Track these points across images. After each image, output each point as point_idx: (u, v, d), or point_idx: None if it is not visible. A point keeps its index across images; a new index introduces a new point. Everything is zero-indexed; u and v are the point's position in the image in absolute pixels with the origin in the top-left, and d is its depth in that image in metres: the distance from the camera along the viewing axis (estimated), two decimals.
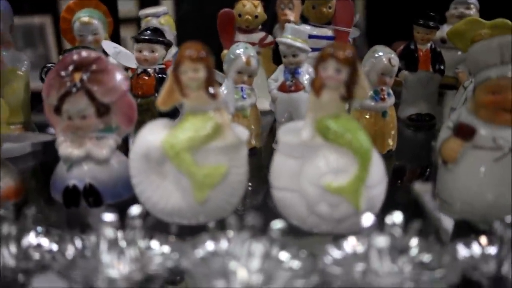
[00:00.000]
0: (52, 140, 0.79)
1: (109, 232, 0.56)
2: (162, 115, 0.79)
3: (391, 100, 0.96)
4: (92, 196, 0.76)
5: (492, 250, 0.57)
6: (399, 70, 1.17)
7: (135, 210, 0.58)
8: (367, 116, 0.96)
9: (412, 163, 1.05)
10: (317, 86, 0.64)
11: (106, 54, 1.10)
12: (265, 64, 1.24)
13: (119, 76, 0.77)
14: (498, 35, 1.01)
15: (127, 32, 2.22)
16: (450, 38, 1.15)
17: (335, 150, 0.65)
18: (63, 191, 0.76)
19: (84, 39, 1.22)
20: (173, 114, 0.83)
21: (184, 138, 0.65)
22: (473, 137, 0.69)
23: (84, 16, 1.22)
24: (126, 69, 1.06)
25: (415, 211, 0.80)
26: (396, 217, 0.56)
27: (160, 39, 0.97)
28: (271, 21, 1.52)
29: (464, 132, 0.69)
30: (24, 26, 2.29)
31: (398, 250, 0.55)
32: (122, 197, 0.78)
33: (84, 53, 0.76)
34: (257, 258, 0.54)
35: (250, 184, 0.80)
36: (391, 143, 0.99)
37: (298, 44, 0.94)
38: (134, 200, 0.71)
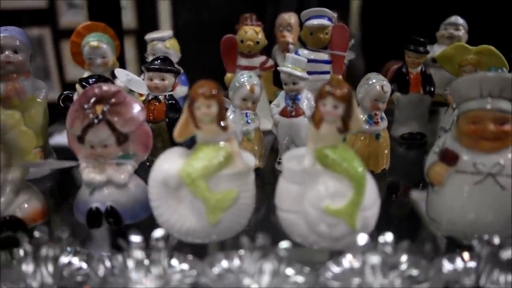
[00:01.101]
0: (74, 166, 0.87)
1: (136, 252, 0.63)
2: (171, 139, 0.86)
3: (384, 124, 1.04)
4: (113, 217, 0.83)
5: (472, 264, 0.65)
6: (392, 92, 1.26)
7: (159, 232, 0.66)
8: (362, 139, 1.04)
9: (405, 179, 1.14)
10: (316, 119, 0.72)
11: (114, 77, 1.18)
12: (266, 86, 1.32)
13: (136, 108, 0.84)
14: (483, 59, 1.10)
15: (126, 44, 2.30)
16: (439, 62, 1.23)
17: (333, 176, 0.73)
18: (87, 213, 0.84)
19: (93, 62, 1.30)
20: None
21: (199, 167, 0.73)
22: (457, 163, 0.77)
23: (93, 40, 1.30)
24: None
25: (408, 224, 0.88)
26: (388, 236, 0.63)
27: (170, 68, 1.05)
28: (270, 42, 1.60)
29: (449, 158, 0.77)
30: None
31: (389, 266, 0.63)
32: (139, 217, 0.86)
33: (104, 87, 0.84)
34: (267, 275, 0.62)
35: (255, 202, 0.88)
36: (384, 162, 1.07)
37: (298, 73, 1.02)
38: (151, 220, 0.80)
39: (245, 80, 1.01)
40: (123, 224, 0.85)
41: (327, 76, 1.30)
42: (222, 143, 0.76)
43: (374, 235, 0.67)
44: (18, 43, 1.04)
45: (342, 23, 1.31)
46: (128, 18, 2.67)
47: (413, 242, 0.83)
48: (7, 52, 1.04)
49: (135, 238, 0.64)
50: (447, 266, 0.67)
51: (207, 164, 0.74)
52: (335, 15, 1.55)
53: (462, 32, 1.54)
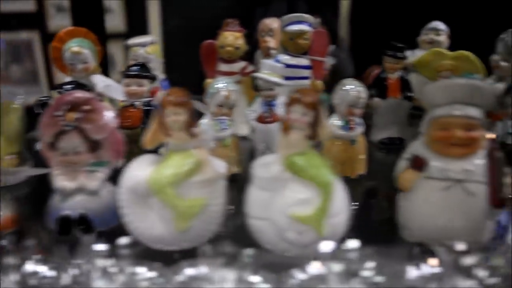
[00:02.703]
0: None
1: (100, 261, 0.63)
2: None
3: (359, 129, 1.04)
4: (84, 224, 0.83)
5: (436, 270, 0.65)
6: (371, 96, 1.26)
7: (123, 240, 0.66)
8: (338, 144, 1.04)
9: (383, 183, 1.14)
10: (285, 126, 0.72)
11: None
12: (246, 91, 1.32)
13: (109, 115, 0.84)
14: (459, 65, 1.11)
15: (114, 48, 2.29)
16: (416, 68, 1.24)
17: (301, 183, 0.73)
18: (57, 220, 0.83)
19: (75, 68, 1.30)
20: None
21: (168, 174, 0.73)
22: (425, 169, 0.77)
23: (74, 46, 1.30)
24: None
25: (386, 229, 0.88)
26: (352, 243, 0.64)
27: (147, 74, 1.05)
28: (253, 48, 1.61)
29: (417, 164, 0.77)
30: (12, 41, 2.33)
31: (352, 273, 0.63)
32: (111, 224, 0.86)
33: (76, 94, 0.84)
34: (230, 282, 0.62)
35: (231, 208, 0.88)
36: (360, 167, 1.07)
37: (273, 79, 1.03)
38: (123, 226, 0.79)
39: (222, 86, 1.02)
40: (94, 231, 0.84)
41: (307, 82, 1.30)
42: (192, 151, 0.76)
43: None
44: None
45: (322, 29, 1.31)
46: (117, 22, 2.67)
47: (388, 247, 0.85)
48: None
49: (100, 246, 0.64)
50: (411, 272, 0.67)
51: (176, 171, 0.74)
52: (317, 20, 1.56)
53: (443, 37, 1.55)
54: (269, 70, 1.04)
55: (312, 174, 0.71)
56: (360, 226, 0.91)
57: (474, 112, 0.76)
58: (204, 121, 1.02)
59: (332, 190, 0.71)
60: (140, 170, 0.77)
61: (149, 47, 1.43)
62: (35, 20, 2.59)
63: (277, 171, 0.73)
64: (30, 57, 2.63)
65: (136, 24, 2.63)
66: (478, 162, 0.76)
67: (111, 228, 0.85)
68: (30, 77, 2.64)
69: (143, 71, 1.05)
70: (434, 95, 0.78)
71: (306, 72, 1.30)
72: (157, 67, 1.47)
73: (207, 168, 0.76)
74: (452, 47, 1.56)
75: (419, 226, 0.79)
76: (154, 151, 0.81)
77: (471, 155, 0.76)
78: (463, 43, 1.54)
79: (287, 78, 1.25)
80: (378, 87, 1.26)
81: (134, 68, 1.05)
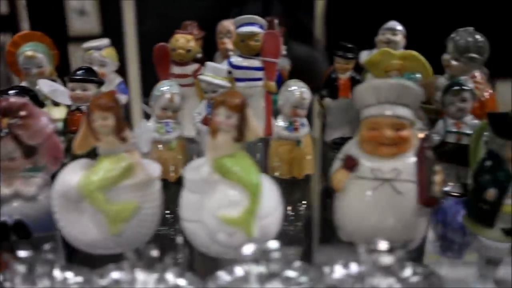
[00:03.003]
0: None
1: (21, 267, 0.63)
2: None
3: (304, 130, 1.05)
4: (21, 230, 0.83)
5: (357, 269, 0.66)
6: (323, 97, 1.27)
7: (47, 246, 0.66)
8: (283, 145, 1.05)
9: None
10: (212, 129, 0.73)
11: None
12: (199, 93, 1.32)
13: (44, 120, 0.84)
14: (407, 64, 1.12)
15: None
16: (366, 68, 1.25)
17: (230, 185, 0.73)
18: None
19: (29, 72, 1.30)
20: None
21: (96, 179, 0.74)
22: (356, 169, 0.78)
23: (28, 50, 1.30)
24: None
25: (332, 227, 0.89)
26: (273, 244, 0.64)
27: (92, 78, 1.05)
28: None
29: (349, 164, 0.78)
30: None
31: (274, 273, 0.63)
32: (51, 229, 0.85)
33: (11, 100, 0.83)
34: (151, 285, 0.62)
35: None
36: (308, 168, 1.08)
37: (217, 81, 1.03)
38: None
39: (165, 89, 1.02)
40: (32, 237, 0.84)
41: (260, 83, 1.31)
42: (123, 155, 0.76)
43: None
44: None
45: (273, 31, 1.32)
46: (93, 24, 2.66)
47: (326, 246, 0.86)
48: None
49: (21, 253, 0.64)
50: (335, 272, 0.67)
51: (105, 175, 0.74)
52: (276, 21, 1.57)
53: (399, 37, 1.56)
54: (212, 73, 1.04)
55: (239, 176, 0.72)
56: (308, 226, 0.92)
57: (403, 111, 0.77)
58: (149, 124, 1.02)
59: (259, 192, 0.72)
60: (72, 175, 0.77)
61: (104, 50, 1.43)
62: (7, 23, 2.58)
63: (206, 173, 0.74)
64: (3, 60, 2.61)
65: (111, 26, 2.62)
66: (407, 162, 0.77)
67: (51, 234, 0.85)
68: (4, 80, 2.63)
69: (88, 75, 1.05)
70: (363, 95, 0.78)
71: (259, 74, 1.30)
72: (113, 71, 1.47)
73: (138, 171, 0.77)
74: (408, 47, 1.58)
75: (352, 225, 0.79)
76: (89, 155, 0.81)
77: (401, 155, 0.77)
78: (420, 42, 1.57)
79: (240, 79, 1.26)
80: (329, 88, 1.27)
81: (79, 72, 1.05)
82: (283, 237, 0.89)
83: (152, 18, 2.55)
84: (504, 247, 0.86)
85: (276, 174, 1.09)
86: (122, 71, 2.60)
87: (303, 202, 1.05)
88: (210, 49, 1.62)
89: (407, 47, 1.58)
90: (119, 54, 2.63)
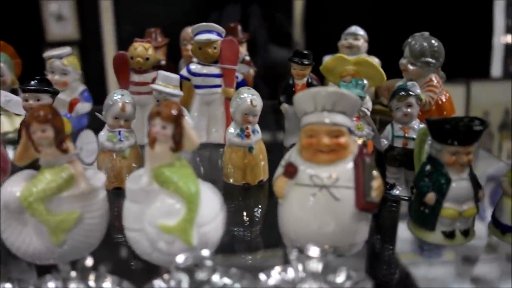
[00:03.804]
0: None
1: None
2: None
3: (256, 137, 1.07)
4: None
5: (289, 275, 0.68)
6: (281, 103, 1.29)
7: None
8: (236, 152, 1.07)
9: None
10: (150, 140, 0.74)
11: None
12: None
13: None
14: (360, 70, 1.14)
15: None
16: (322, 73, 1.26)
17: (170, 195, 0.74)
18: None
19: None
20: None
21: (37, 190, 0.74)
22: (295, 176, 0.79)
23: None
24: None
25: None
26: (205, 252, 0.65)
27: (45, 88, 1.05)
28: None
29: (288, 171, 0.80)
30: None
31: (207, 282, 0.64)
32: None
33: None
34: None
35: None
36: (261, 174, 1.09)
37: (168, 90, 1.04)
38: None
39: (117, 98, 1.03)
40: None
41: (219, 89, 1.33)
42: (64, 166, 0.77)
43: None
44: None
45: (231, 37, 1.33)
46: (71, 30, 2.66)
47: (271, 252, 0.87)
48: None
49: None
50: (271, 278, 0.69)
51: (45, 186, 0.75)
52: (239, 27, 1.58)
53: (361, 42, 1.59)
54: (163, 81, 1.05)
55: (177, 185, 0.73)
56: (263, 231, 0.93)
57: (340, 119, 0.78)
58: (101, 133, 1.03)
59: (197, 200, 0.73)
60: (14, 186, 0.77)
61: (65, 58, 1.43)
62: None
63: (145, 183, 0.75)
64: None
65: (90, 31, 2.63)
66: (345, 168, 0.78)
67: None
68: None
69: (41, 85, 1.05)
70: (302, 103, 0.80)
71: (218, 81, 1.32)
72: (76, 78, 1.47)
73: (80, 182, 0.77)
74: (370, 52, 1.61)
75: (294, 231, 0.81)
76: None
77: (339, 161, 0.78)
78: (381, 47, 1.59)
79: (199, 86, 1.28)
80: (286, 93, 1.29)
81: (32, 82, 1.05)
82: (240, 242, 0.91)
83: (131, 23, 2.56)
84: (481, 246, 0.89)
85: (231, 180, 1.10)
86: (101, 75, 2.61)
87: (258, 208, 1.07)
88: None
89: (369, 51, 1.60)
90: (98, 58, 2.64)
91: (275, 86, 2.14)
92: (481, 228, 0.92)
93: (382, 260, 0.87)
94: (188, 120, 1.03)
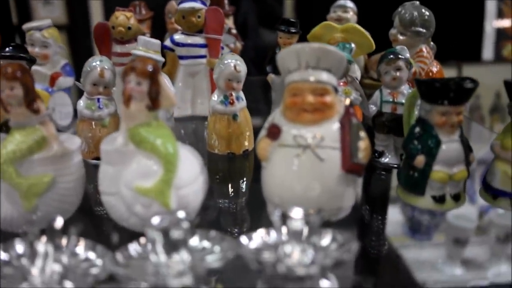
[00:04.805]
0: None
1: None
2: None
3: (240, 104, 1.03)
4: None
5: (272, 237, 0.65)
6: (267, 73, 1.25)
7: None
8: (220, 120, 1.03)
9: None
10: (125, 98, 0.70)
11: None
12: None
13: None
14: (348, 37, 1.10)
15: None
16: (310, 41, 1.23)
17: (147, 156, 0.71)
18: None
19: None
20: None
21: (6, 151, 0.71)
22: (279, 136, 0.76)
23: None
24: None
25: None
26: (180, 213, 0.62)
27: (21, 55, 1.01)
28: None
29: (271, 132, 0.76)
30: None
31: (179, 242, 0.61)
32: None
33: None
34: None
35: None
36: (246, 143, 1.06)
37: (149, 55, 1.00)
38: None
39: (96, 64, 0.99)
40: None
41: (204, 60, 1.29)
42: (36, 127, 0.73)
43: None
44: None
45: (216, 6, 1.29)
46: (59, 13, 2.61)
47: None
48: None
49: None
50: (252, 241, 0.66)
51: (15, 148, 0.71)
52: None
53: (350, 14, 1.56)
54: (144, 46, 1.01)
55: (154, 145, 0.69)
56: (248, 203, 0.90)
57: (326, 76, 0.75)
58: (80, 101, 0.99)
59: (175, 161, 0.69)
60: None
61: (45, 30, 1.38)
62: None
63: (120, 143, 0.71)
64: None
65: (78, 14, 2.58)
66: (331, 128, 0.75)
67: None
68: None
69: (16, 52, 1.01)
70: (285, 61, 0.77)
71: (202, 51, 1.29)
72: (57, 52, 1.42)
73: (53, 144, 0.74)
74: (359, 23, 1.57)
75: (279, 195, 0.77)
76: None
77: (324, 121, 0.75)
78: (370, 20, 1.55)
79: (183, 57, 1.24)
80: (272, 63, 1.25)
81: (8, 49, 1.01)
82: (225, 214, 0.88)
83: (120, 6, 2.51)
84: (471, 227, 0.86)
85: (215, 150, 1.07)
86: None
87: (243, 179, 1.04)
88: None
89: (358, 23, 1.57)
90: (86, 42, 2.59)
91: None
92: (471, 209, 0.89)
93: (371, 230, 0.83)
94: (165, 77, 0.99)
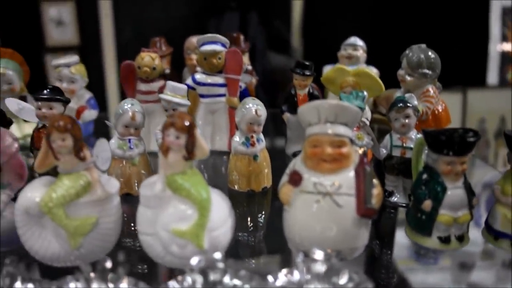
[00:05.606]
0: None
1: None
2: None
3: (261, 145, 1.11)
4: None
5: (295, 277, 0.72)
6: (283, 112, 1.33)
7: (8, 260, 0.71)
8: (241, 160, 1.11)
9: None
10: (164, 149, 0.78)
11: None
12: None
13: (8, 140, 0.89)
14: (360, 81, 1.18)
15: None
16: (323, 84, 1.31)
17: (182, 201, 0.79)
18: None
19: None
20: None
21: (56, 196, 0.79)
22: (300, 183, 0.84)
23: None
24: None
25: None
26: (217, 255, 0.70)
27: (58, 97, 1.10)
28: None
29: (293, 179, 0.84)
30: None
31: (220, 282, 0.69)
32: (17, 243, 0.90)
33: None
34: None
35: None
36: (265, 181, 1.14)
37: (176, 99, 1.09)
38: None
39: (128, 107, 1.07)
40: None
41: (223, 99, 1.37)
42: (82, 172, 0.81)
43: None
44: None
45: (235, 48, 1.38)
46: (70, 35, 2.69)
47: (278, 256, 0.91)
48: None
49: None
50: (278, 280, 0.73)
51: (64, 193, 0.79)
52: (242, 37, 1.63)
53: (360, 52, 1.64)
54: (172, 92, 1.10)
55: (189, 191, 0.77)
56: (266, 236, 0.98)
57: (342, 130, 0.83)
58: (112, 141, 1.07)
59: (208, 206, 0.77)
60: (34, 192, 0.82)
61: (73, 67, 1.47)
62: None
63: (158, 189, 0.79)
64: None
65: (89, 36, 2.66)
66: (347, 176, 0.83)
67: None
68: None
69: (53, 94, 1.09)
70: (306, 115, 0.84)
71: (222, 90, 1.37)
72: (83, 86, 1.51)
73: (97, 188, 0.82)
74: (369, 62, 1.66)
75: (298, 236, 0.85)
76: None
77: (341, 170, 0.83)
78: (379, 58, 1.64)
79: (204, 95, 1.33)
80: (288, 103, 1.33)
81: (45, 91, 1.09)
82: (244, 247, 0.95)
83: (130, 28, 2.60)
84: (477, 252, 0.93)
85: (235, 187, 1.15)
86: (100, 80, 2.65)
87: (262, 214, 1.11)
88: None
89: (367, 61, 1.65)
90: (97, 64, 2.67)
91: (274, 92, 2.19)
92: (477, 234, 0.96)
93: (381, 264, 0.91)
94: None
